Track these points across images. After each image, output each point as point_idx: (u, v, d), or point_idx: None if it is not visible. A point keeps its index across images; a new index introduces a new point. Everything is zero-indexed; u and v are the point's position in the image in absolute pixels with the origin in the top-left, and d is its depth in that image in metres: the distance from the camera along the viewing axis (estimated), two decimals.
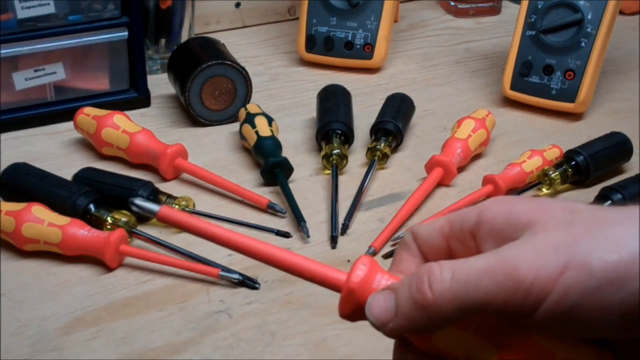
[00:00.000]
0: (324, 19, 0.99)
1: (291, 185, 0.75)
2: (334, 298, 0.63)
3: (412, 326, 0.36)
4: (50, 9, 0.81)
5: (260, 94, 0.93)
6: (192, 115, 0.86)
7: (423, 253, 0.40)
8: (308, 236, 0.70)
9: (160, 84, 0.94)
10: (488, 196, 0.74)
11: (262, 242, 0.40)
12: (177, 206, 0.69)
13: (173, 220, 0.40)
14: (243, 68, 0.86)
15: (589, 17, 0.88)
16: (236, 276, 0.64)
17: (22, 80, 0.84)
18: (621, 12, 1.13)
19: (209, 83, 0.85)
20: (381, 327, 0.37)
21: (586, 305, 0.32)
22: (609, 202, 0.70)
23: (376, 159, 0.78)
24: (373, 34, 0.98)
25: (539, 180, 0.76)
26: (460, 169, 0.80)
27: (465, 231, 0.38)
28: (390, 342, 0.59)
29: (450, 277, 0.34)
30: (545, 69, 0.89)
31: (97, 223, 0.67)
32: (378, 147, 0.79)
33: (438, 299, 0.34)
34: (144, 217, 0.70)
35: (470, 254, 0.36)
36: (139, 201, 0.40)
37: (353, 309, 0.38)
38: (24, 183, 0.70)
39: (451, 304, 0.34)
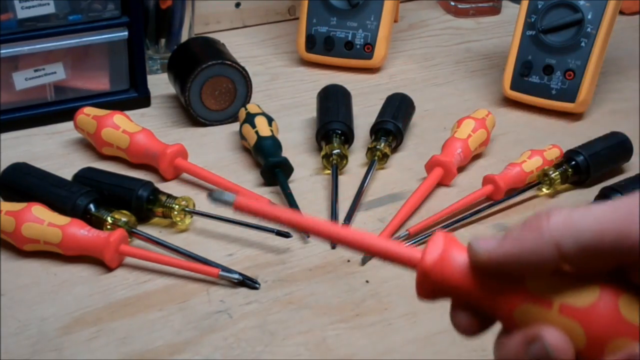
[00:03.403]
0: (324, 19, 0.99)
1: (291, 185, 0.75)
2: (334, 298, 0.64)
3: (518, 249, 0.34)
4: (50, 9, 0.81)
5: (260, 94, 0.93)
6: (192, 115, 0.86)
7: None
8: (308, 236, 0.70)
9: (160, 84, 0.94)
10: (488, 196, 0.75)
11: (332, 223, 0.40)
12: (177, 206, 0.69)
13: (248, 209, 0.40)
14: (243, 68, 0.86)
15: (589, 17, 0.88)
16: (236, 276, 0.64)
17: (22, 80, 0.84)
18: (621, 12, 1.13)
19: (209, 83, 0.85)
20: (480, 253, 0.36)
21: None
22: None
23: (376, 159, 0.78)
24: (373, 34, 0.98)
25: (539, 180, 0.76)
26: (460, 169, 0.80)
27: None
28: (390, 342, 0.59)
29: (567, 213, 0.34)
30: (545, 69, 0.89)
31: (97, 223, 0.67)
32: (378, 147, 0.79)
33: (553, 223, 0.33)
34: (144, 217, 0.70)
35: None
36: (215, 195, 0.40)
37: (430, 288, 0.37)
38: (24, 183, 0.70)
39: (567, 229, 0.33)
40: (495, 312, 0.37)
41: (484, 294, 0.36)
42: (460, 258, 0.37)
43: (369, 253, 0.39)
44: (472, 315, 0.37)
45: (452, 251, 0.37)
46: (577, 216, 0.34)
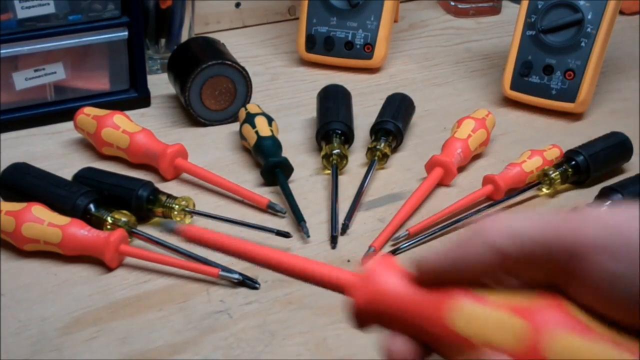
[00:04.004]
0: (324, 19, 0.99)
1: (291, 185, 0.75)
2: (334, 298, 0.63)
3: (457, 251, 0.34)
4: (50, 9, 0.81)
5: (260, 94, 0.93)
6: (192, 115, 0.86)
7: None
8: (308, 236, 0.70)
9: (160, 84, 0.94)
10: (488, 196, 0.75)
11: (269, 248, 0.41)
12: (177, 206, 0.69)
13: (191, 235, 0.40)
14: (243, 68, 0.86)
15: (589, 17, 0.88)
16: (236, 276, 0.64)
17: (22, 80, 0.84)
18: (621, 12, 1.13)
19: (209, 83, 0.85)
20: (421, 260, 0.35)
21: None
22: (609, 202, 0.70)
23: (376, 159, 0.78)
24: (373, 34, 0.98)
25: (539, 180, 0.76)
26: (460, 169, 0.80)
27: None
28: None
29: (509, 218, 0.34)
30: (545, 69, 0.89)
31: (97, 223, 0.67)
32: (378, 147, 0.79)
33: (494, 226, 0.33)
34: (144, 217, 0.70)
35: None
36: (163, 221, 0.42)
37: (365, 306, 0.36)
38: (24, 183, 0.71)
39: (506, 230, 0.33)
40: (432, 323, 0.35)
41: (422, 304, 0.35)
42: (397, 276, 0.36)
43: (305, 279, 0.39)
44: (408, 341, 0.36)
45: (388, 270, 0.36)
46: (518, 219, 0.34)
